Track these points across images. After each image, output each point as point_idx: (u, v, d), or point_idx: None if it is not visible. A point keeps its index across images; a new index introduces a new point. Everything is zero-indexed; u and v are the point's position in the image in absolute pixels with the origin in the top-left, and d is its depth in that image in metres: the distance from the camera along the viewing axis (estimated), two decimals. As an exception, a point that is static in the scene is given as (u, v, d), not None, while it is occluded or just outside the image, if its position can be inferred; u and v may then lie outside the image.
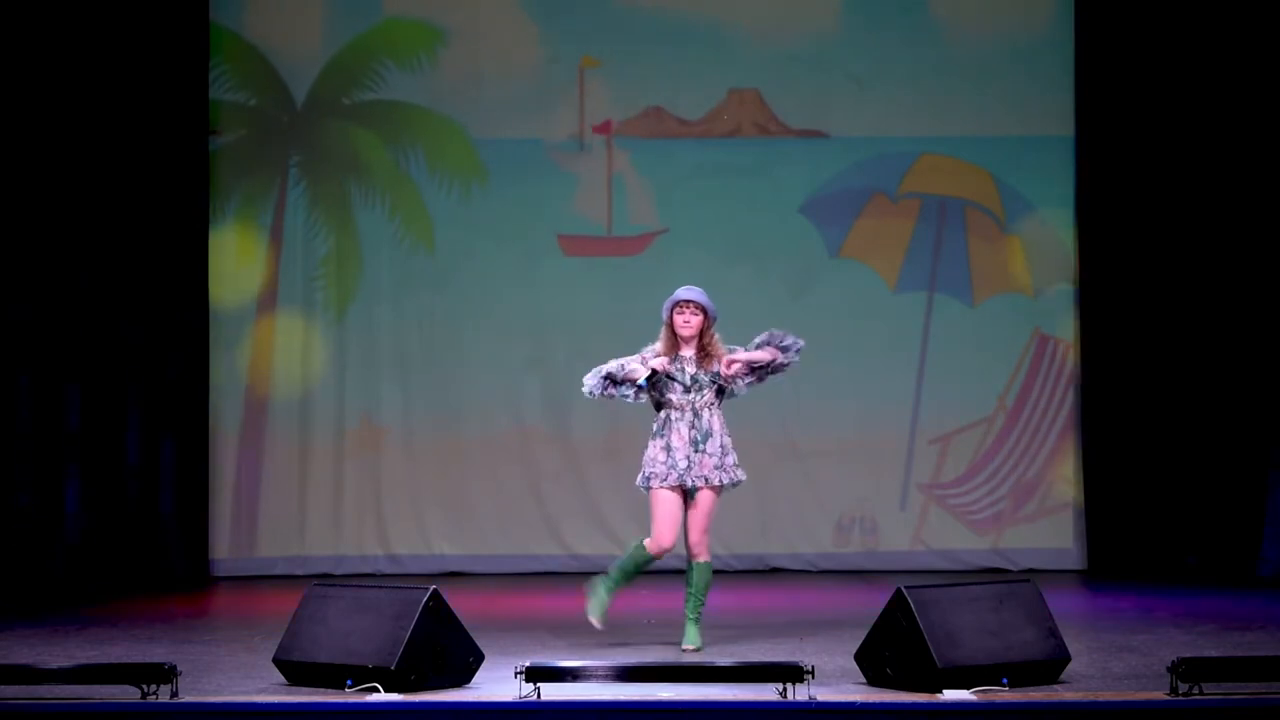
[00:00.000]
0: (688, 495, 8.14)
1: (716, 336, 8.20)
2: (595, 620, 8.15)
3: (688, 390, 8.13)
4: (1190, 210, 11.74)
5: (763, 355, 8.17)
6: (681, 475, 8.09)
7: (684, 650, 8.07)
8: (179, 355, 11.86)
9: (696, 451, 8.10)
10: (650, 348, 8.23)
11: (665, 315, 8.23)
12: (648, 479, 8.15)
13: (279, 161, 12.17)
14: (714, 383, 8.15)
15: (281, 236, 12.14)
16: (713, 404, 8.17)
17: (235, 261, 12.10)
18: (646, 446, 8.17)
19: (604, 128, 12.16)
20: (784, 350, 8.20)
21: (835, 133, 12.19)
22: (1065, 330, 12.18)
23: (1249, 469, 11.56)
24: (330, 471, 12.09)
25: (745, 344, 8.22)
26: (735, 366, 8.10)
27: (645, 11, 12.18)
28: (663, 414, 8.18)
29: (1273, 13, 11.55)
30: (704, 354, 8.16)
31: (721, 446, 8.15)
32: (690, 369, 8.14)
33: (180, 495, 11.81)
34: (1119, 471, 11.86)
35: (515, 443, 12.10)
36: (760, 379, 8.24)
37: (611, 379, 8.16)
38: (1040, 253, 12.21)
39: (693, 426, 8.12)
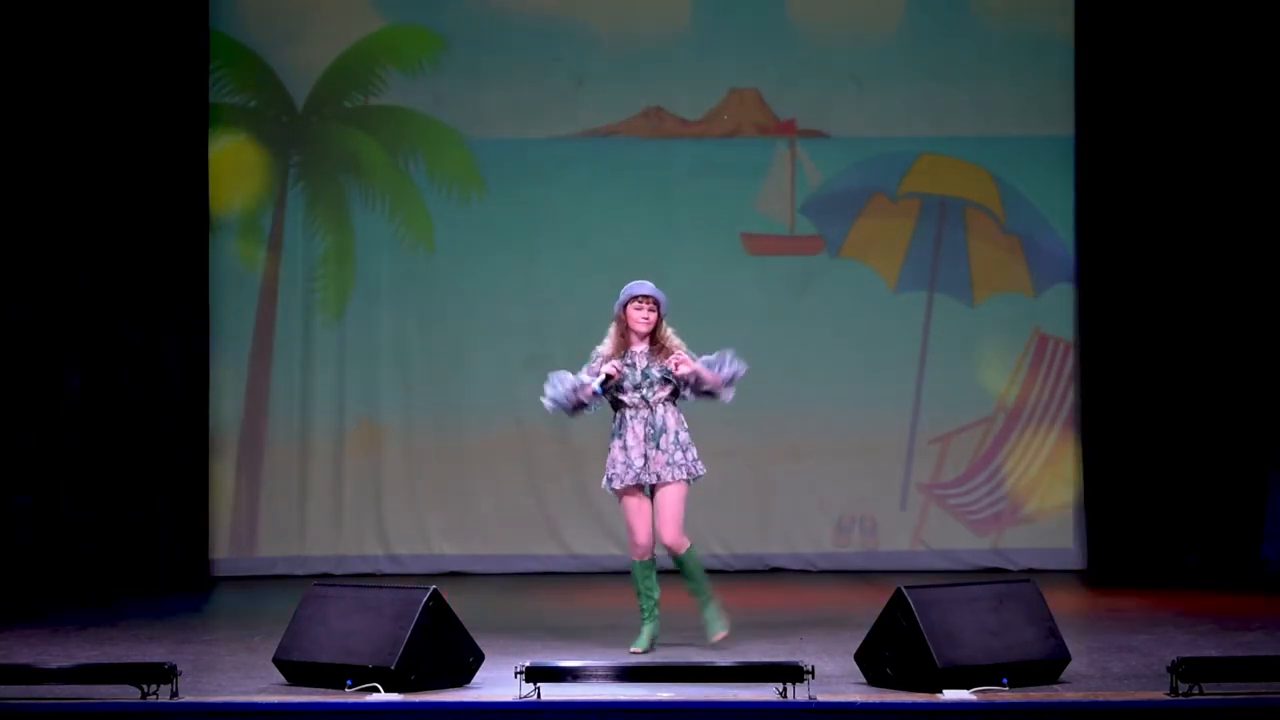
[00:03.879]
0: (650, 493, 8.13)
1: (669, 330, 8.20)
2: (639, 649, 8.11)
3: (638, 387, 8.12)
4: (1190, 210, 11.74)
5: (707, 376, 8.12)
6: (638, 474, 8.09)
7: (716, 639, 8.08)
8: (179, 355, 11.84)
9: (652, 449, 8.08)
10: (598, 350, 8.21)
11: (618, 310, 8.20)
12: (609, 480, 8.15)
13: (278, 161, 12.17)
14: (665, 379, 8.13)
15: (281, 236, 12.15)
16: (666, 400, 8.14)
17: (235, 261, 12.10)
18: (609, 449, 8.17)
19: (787, 127, 12.14)
20: (726, 384, 8.15)
21: (835, 133, 12.19)
22: (1065, 330, 12.18)
23: (1249, 468, 11.57)
24: (330, 471, 12.09)
25: (741, 350, 8.22)
26: (684, 369, 8.07)
27: (644, 12, 12.19)
28: (619, 413, 8.18)
29: (1273, 13, 11.55)
30: (657, 347, 8.14)
31: (676, 442, 8.12)
32: (641, 363, 8.13)
33: (180, 495, 11.80)
34: (1119, 471, 11.86)
35: (515, 443, 12.10)
36: (698, 396, 8.22)
37: (578, 401, 8.13)
38: (1040, 253, 12.21)
39: (647, 423, 8.10)
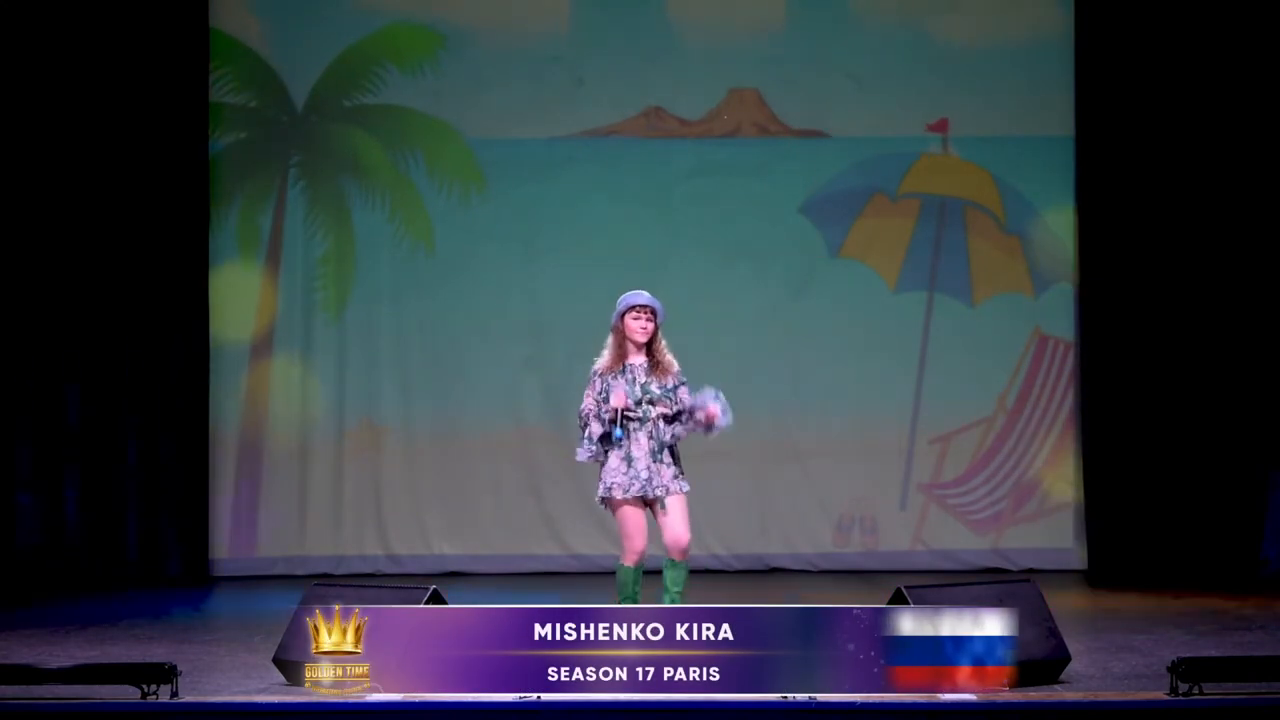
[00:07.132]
0: (651, 505, 8.08)
1: (664, 343, 8.14)
2: None
3: (639, 402, 8.06)
4: (1190, 210, 11.73)
5: (685, 404, 8.07)
6: (644, 486, 8.02)
7: None
8: (179, 355, 11.84)
9: (656, 462, 8.05)
10: (595, 366, 8.15)
11: (616, 320, 8.14)
12: (609, 489, 8.01)
13: (279, 162, 12.17)
14: (664, 395, 8.08)
15: (281, 236, 12.15)
16: (666, 415, 8.08)
17: (235, 262, 12.10)
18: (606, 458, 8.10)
19: (940, 126, 12.14)
20: (706, 427, 8.07)
21: (835, 133, 12.19)
22: (1065, 330, 12.18)
23: (1249, 468, 11.56)
24: (330, 471, 12.09)
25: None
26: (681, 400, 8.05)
27: (645, 11, 12.19)
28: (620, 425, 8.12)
29: (1272, 13, 11.55)
30: (654, 361, 8.08)
31: (674, 455, 8.09)
32: (640, 377, 8.09)
33: (180, 495, 11.80)
34: (1119, 471, 11.85)
35: (515, 443, 12.10)
36: (698, 426, 8.13)
37: (603, 441, 8.09)
38: (1040, 253, 12.21)
39: (650, 436, 8.06)
